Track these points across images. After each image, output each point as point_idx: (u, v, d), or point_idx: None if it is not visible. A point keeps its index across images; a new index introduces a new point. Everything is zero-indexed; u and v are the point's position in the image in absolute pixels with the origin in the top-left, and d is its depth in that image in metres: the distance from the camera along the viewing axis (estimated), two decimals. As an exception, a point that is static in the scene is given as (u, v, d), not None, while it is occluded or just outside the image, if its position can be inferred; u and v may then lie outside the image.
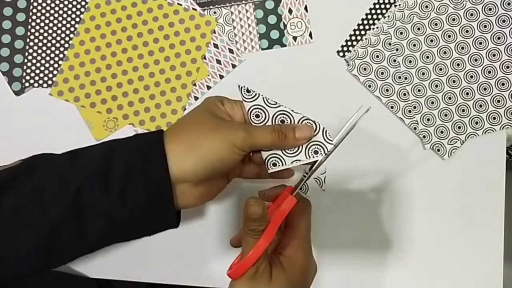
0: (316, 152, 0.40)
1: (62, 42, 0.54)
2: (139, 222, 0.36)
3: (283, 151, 0.40)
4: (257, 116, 0.39)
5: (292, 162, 0.40)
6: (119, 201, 0.34)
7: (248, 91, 0.39)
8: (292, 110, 0.40)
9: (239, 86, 0.39)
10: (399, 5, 0.53)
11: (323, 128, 0.40)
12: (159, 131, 0.37)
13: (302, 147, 0.40)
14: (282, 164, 0.40)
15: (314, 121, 0.40)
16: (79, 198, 0.33)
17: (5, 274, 0.35)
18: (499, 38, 0.52)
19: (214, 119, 0.37)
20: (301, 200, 0.40)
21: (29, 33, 0.54)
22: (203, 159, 0.35)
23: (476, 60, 0.52)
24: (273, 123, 0.40)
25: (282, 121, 0.40)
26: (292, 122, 0.40)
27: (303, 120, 0.40)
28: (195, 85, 0.53)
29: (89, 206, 0.34)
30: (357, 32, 0.53)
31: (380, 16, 0.53)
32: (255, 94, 0.39)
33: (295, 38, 0.54)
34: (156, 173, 0.34)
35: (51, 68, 0.54)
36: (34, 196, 0.34)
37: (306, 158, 0.40)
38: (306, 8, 0.54)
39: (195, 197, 0.38)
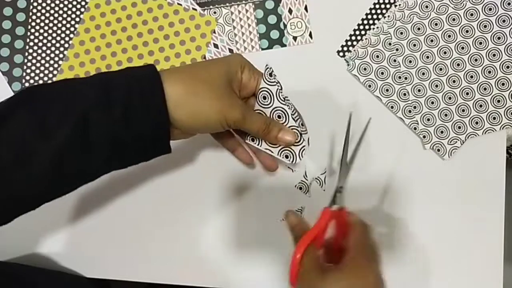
0: (286, 157, 0.44)
1: (62, 42, 0.54)
2: (140, 146, 0.38)
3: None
4: (264, 98, 0.43)
5: (265, 149, 0.45)
6: (122, 124, 0.36)
7: (270, 75, 0.42)
8: (292, 115, 0.43)
9: (266, 65, 0.42)
10: (399, 5, 0.53)
11: (303, 146, 0.44)
12: (151, 65, 0.38)
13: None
14: (258, 144, 0.45)
15: (301, 134, 0.44)
16: (83, 121, 0.35)
17: (20, 200, 0.36)
18: (499, 38, 0.52)
19: (225, 87, 0.39)
20: (354, 223, 0.42)
21: (29, 33, 0.54)
22: (193, 115, 0.38)
23: (476, 60, 0.52)
24: (270, 114, 0.43)
25: (279, 117, 0.43)
26: (285, 123, 0.43)
27: (292, 129, 0.43)
28: (195, 85, 0.53)
29: (94, 129, 0.35)
30: (357, 32, 0.53)
31: (380, 16, 0.53)
32: (275, 82, 0.42)
33: (295, 38, 0.54)
34: (155, 101, 0.36)
35: (51, 68, 0.54)
36: (37, 123, 0.34)
37: (278, 156, 0.45)
38: (306, 8, 0.54)
39: (173, 134, 0.40)
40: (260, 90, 0.42)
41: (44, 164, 0.34)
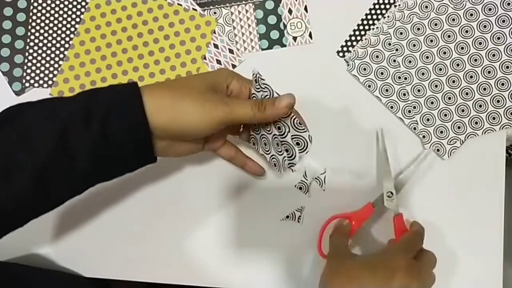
0: (275, 165, 0.46)
1: (63, 42, 0.54)
2: (121, 156, 0.37)
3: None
4: (256, 81, 0.41)
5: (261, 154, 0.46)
6: (100, 137, 0.35)
7: (256, 81, 0.41)
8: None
9: (253, 71, 0.41)
10: (399, 5, 0.53)
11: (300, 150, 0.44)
12: (133, 83, 0.38)
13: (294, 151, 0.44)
14: (257, 149, 0.46)
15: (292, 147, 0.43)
16: (64, 136, 0.35)
17: (5, 215, 0.36)
18: (498, 38, 0.52)
19: (206, 89, 0.39)
20: (414, 226, 0.48)
21: (29, 33, 0.54)
22: (174, 120, 0.37)
23: (475, 60, 0.52)
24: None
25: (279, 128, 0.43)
26: (287, 132, 0.43)
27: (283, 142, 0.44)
28: (195, 85, 0.54)
29: (74, 143, 0.35)
30: (357, 32, 0.53)
31: (380, 16, 0.53)
32: (262, 87, 0.41)
33: (295, 38, 0.54)
34: (133, 112, 0.36)
35: (51, 68, 0.54)
36: (20, 139, 0.35)
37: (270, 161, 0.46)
38: (306, 8, 0.54)
39: (158, 148, 0.39)
40: (252, 95, 0.42)
41: (27, 178, 0.34)
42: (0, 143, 0.35)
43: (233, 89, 0.41)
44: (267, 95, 0.41)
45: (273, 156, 0.46)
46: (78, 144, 0.35)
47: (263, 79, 0.40)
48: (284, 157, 0.45)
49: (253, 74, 0.41)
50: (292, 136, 0.42)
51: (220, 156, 0.48)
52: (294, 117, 0.41)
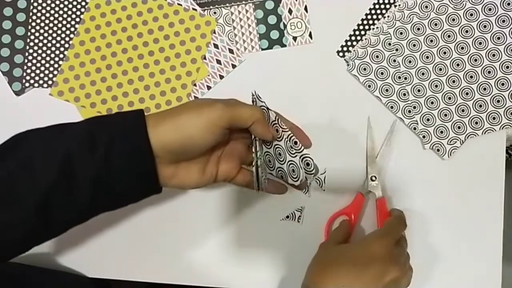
0: (308, 164, 0.41)
1: (62, 42, 0.54)
2: (124, 186, 0.37)
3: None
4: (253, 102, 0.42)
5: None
6: (104, 164, 0.35)
7: (253, 101, 0.41)
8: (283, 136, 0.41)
9: (252, 93, 0.41)
10: (399, 5, 0.53)
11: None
12: (139, 110, 0.38)
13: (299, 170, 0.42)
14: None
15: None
16: (67, 163, 0.34)
17: (4, 242, 0.36)
18: (498, 38, 0.52)
19: (200, 103, 0.38)
20: (393, 213, 0.49)
21: (29, 33, 0.54)
22: (176, 135, 0.36)
23: (476, 60, 0.52)
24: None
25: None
26: (284, 158, 0.42)
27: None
28: (195, 85, 0.54)
29: (77, 170, 0.35)
30: (357, 32, 0.53)
31: (380, 16, 0.53)
32: (260, 107, 0.40)
33: (295, 38, 0.54)
34: (137, 138, 0.36)
35: (51, 68, 0.54)
36: (23, 166, 0.35)
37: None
38: (306, 8, 0.54)
39: (164, 176, 0.38)
40: None
41: (29, 206, 0.34)
42: (3, 170, 0.35)
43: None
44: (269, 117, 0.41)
45: (279, 169, 0.44)
46: (82, 173, 0.35)
47: (261, 101, 0.40)
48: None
49: (252, 95, 0.41)
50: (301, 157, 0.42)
51: (237, 185, 0.44)
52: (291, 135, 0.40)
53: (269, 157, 0.43)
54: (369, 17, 0.53)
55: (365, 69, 0.53)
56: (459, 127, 0.52)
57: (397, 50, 0.53)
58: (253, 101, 0.42)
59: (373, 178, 0.51)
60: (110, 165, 0.35)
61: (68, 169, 0.34)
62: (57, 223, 0.37)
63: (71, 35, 0.54)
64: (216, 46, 0.54)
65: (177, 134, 0.36)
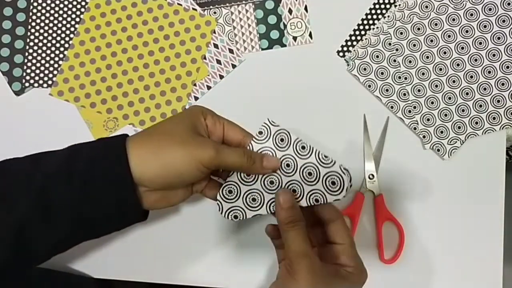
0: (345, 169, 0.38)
1: (62, 42, 0.54)
2: (103, 215, 0.36)
3: (245, 204, 0.40)
4: (260, 133, 0.39)
5: (252, 216, 0.39)
6: (82, 194, 0.34)
7: (261, 133, 0.39)
8: (283, 171, 0.39)
9: (265, 123, 0.39)
10: (399, 5, 0.53)
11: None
12: (123, 135, 0.37)
13: (263, 202, 0.39)
14: (243, 218, 0.40)
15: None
16: (44, 193, 0.34)
17: None
18: (499, 38, 0.52)
19: (187, 132, 0.37)
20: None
21: (29, 33, 0.54)
22: (162, 170, 0.35)
23: (476, 60, 0.52)
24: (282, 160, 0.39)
25: (287, 165, 0.39)
26: (279, 185, 0.39)
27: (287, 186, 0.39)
28: (195, 85, 0.54)
29: (54, 201, 0.34)
30: (357, 32, 0.53)
31: (380, 16, 0.53)
32: (267, 136, 0.39)
33: (295, 38, 0.54)
34: (118, 169, 0.35)
35: (51, 68, 0.54)
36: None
37: (267, 212, 0.39)
38: (306, 8, 0.54)
39: (150, 201, 0.38)
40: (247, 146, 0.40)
41: (6, 234, 0.34)
42: None
43: (208, 124, 0.39)
44: (265, 152, 0.39)
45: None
46: (59, 203, 0.34)
47: (276, 125, 0.39)
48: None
49: (263, 125, 0.39)
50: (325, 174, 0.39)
51: (208, 197, 0.42)
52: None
53: (293, 186, 0.39)
54: (369, 17, 0.53)
55: (365, 69, 0.52)
56: (459, 127, 0.52)
57: (397, 50, 0.52)
58: (260, 132, 0.39)
59: (371, 177, 0.51)
60: (87, 196, 0.34)
61: (45, 200, 0.34)
62: (36, 252, 0.36)
63: (71, 35, 0.54)
64: (216, 46, 0.54)
65: (163, 171, 0.35)
